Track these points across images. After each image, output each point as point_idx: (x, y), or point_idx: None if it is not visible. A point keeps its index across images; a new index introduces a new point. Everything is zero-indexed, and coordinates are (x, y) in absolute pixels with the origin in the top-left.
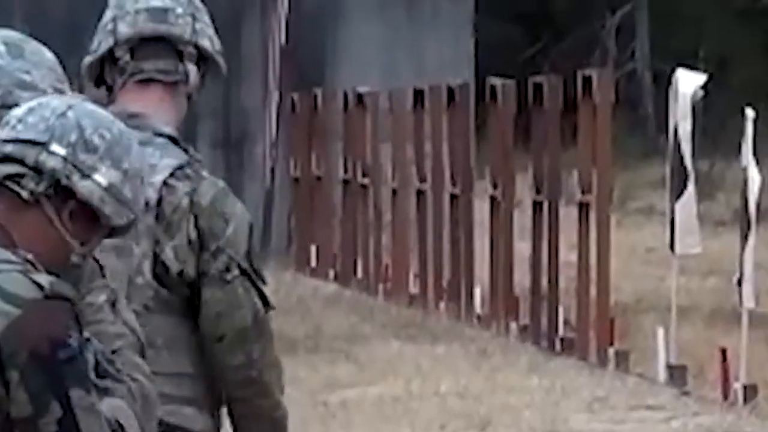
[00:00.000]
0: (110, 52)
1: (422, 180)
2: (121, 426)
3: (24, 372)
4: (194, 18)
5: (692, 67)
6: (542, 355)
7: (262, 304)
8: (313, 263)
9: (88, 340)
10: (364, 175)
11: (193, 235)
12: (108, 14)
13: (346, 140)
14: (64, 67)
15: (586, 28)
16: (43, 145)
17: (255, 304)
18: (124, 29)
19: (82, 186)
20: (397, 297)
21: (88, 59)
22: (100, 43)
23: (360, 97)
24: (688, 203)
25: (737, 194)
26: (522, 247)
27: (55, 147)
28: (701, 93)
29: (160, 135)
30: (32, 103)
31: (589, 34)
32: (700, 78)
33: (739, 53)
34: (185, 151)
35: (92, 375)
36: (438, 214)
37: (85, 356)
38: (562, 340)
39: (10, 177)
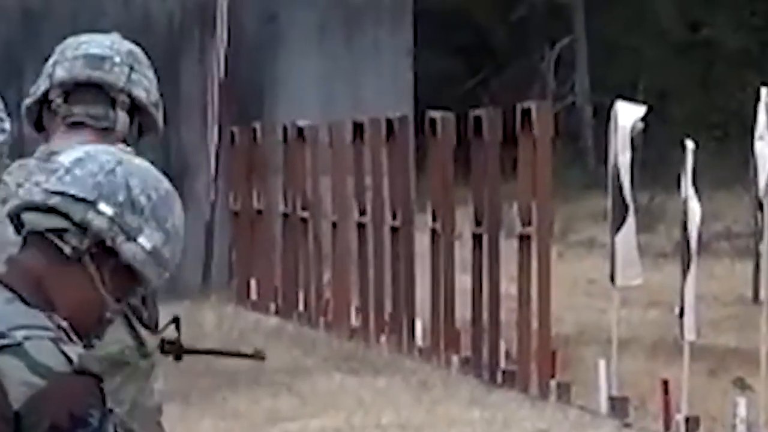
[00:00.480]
0: (46, 95)
1: (362, 213)
2: None
3: None
4: (131, 68)
5: (632, 100)
6: (484, 388)
7: (134, 345)
8: (254, 297)
9: (110, 410)
10: (304, 208)
11: None
12: (51, 59)
13: (286, 173)
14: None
15: (526, 60)
16: (91, 204)
17: (122, 341)
18: (60, 73)
19: (127, 248)
20: (338, 330)
21: (26, 101)
22: (39, 86)
23: (299, 131)
24: (628, 235)
25: (678, 226)
26: (463, 280)
27: (102, 206)
28: (641, 125)
29: None
30: (80, 153)
31: (528, 67)
32: (640, 110)
33: (679, 85)
34: None
35: None
36: (378, 246)
37: None
38: (503, 372)
39: (53, 230)
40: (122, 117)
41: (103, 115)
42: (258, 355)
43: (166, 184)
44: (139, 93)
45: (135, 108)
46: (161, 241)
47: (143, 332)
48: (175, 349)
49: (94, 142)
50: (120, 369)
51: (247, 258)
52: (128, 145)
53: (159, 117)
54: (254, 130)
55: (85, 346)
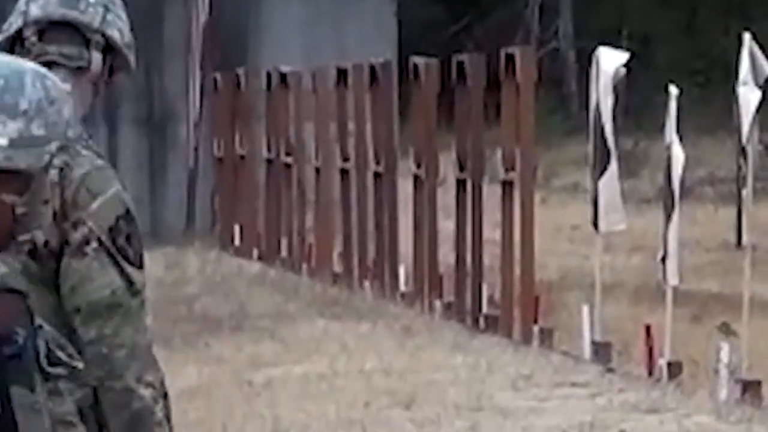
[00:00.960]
0: (19, 32)
1: (346, 159)
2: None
3: None
4: (106, 8)
5: (615, 46)
6: (467, 333)
7: (124, 285)
8: (237, 242)
9: (40, 327)
10: (287, 154)
11: (57, 205)
12: None
13: (269, 119)
14: None
15: (510, 6)
16: None
17: (112, 282)
18: (35, 11)
19: None
20: (321, 275)
21: None
22: (11, 23)
23: (283, 76)
24: (610, 181)
25: (661, 172)
26: (446, 226)
27: None
28: (623, 71)
29: None
30: None
31: (512, 13)
32: (622, 56)
33: (662, 31)
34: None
35: (44, 362)
36: (362, 192)
37: (31, 353)
38: (486, 317)
39: None
40: (96, 57)
41: (77, 54)
42: None
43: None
44: (114, 33)
45: (108, 48)
46: (21, 128)
47: (131, 270)
48: None
49: (68, 82)
50: (114, 312)
51: (231, 204)
52: (97, 85)
53: (132, 58)
54: (237, 76)
55: None
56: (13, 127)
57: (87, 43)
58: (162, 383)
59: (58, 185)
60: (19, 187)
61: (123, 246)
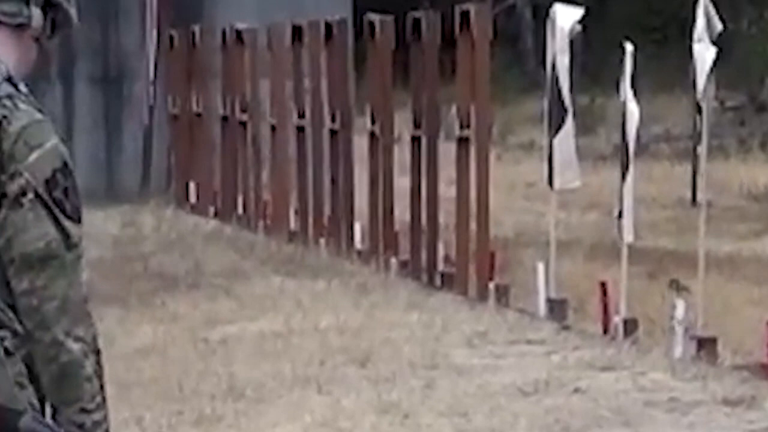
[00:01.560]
0: None
1: (301, 116)
2: None
3: None
4: None
5: (571, 2)
6: (422, 291)
7: (60, 237)
8: (193, 200)
9: None
10: (243, 111)
11: None
12: None
13: (225, 77)
14: None
15: None
16: None
17: (47, 234)
18: None
19: None
20: (277, 233)
21: None
22: None
23: (238, 34)
24: (566, 138)
25: (617, 129)
26: (402, 183)
27: None
28: (579, 28)
29: None
30: None
31: None
32: (578, 12)
33: None
34: (15, 86)
35: None
36: (317, 150)
37: None
38: (442, 275)
39: None
40: (37, 13)
41: (17, 11)
42: None
43: None
44: None
45: (48, 4)
46: None
47: (67, 223)
48: None
49: (9, 40)
50: (48, 264)
51: (186, 161)
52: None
53: (73, 11)
54: (193, 34)
55: None
56: None
57: (26, 0)
58: (94, 339)
59: None
60: None
61: (60, 199)
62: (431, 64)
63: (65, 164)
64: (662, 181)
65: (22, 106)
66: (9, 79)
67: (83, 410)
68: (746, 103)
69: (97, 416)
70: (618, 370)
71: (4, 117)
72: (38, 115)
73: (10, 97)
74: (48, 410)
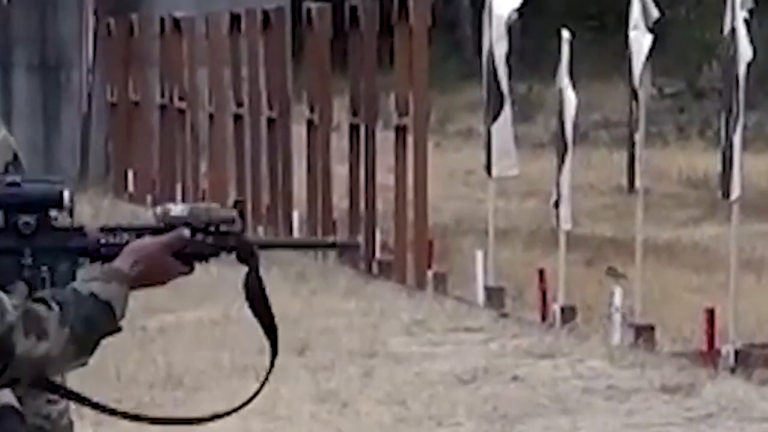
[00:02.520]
0: None
1: (239, 104)
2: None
3: None
4: None
5: None
6: (360, 278)
7: None
8: (131, 189)
9: None
10: (181, 99)
11: None
12: None
13: (163, 65)
14: None
15: None
16: None
17: None
18: None
19: None
20: None
21: None
22: None
23: (176, 22)
24: (504, 126)
25: (555, 116)
26: (340, 171)
27: None
28: (516, 15)
29: None
30: None
31: None
32: (516, 1)
33: None
34: None
35: None
36: (255, 138)
37: None
38: (380, 263)
39: None
40: None
41: None
42: (352, 244)
43: None
44: None
45: None
46: None
47: None
48: (248, 246)
49: None
50: None
51: (125, 150)
52: None
53: None
54: (131, 22)
55: None
56: None
57: None
58: None
59: None
60: None
61: None
62: (369, 52)
63: (15, 156)
64: (600, 168)
65: None
66: None
67: (49, 401)
68: (684, 90)
69: (61, 406)
70: (556, 358)
71: None
72: None
73: None
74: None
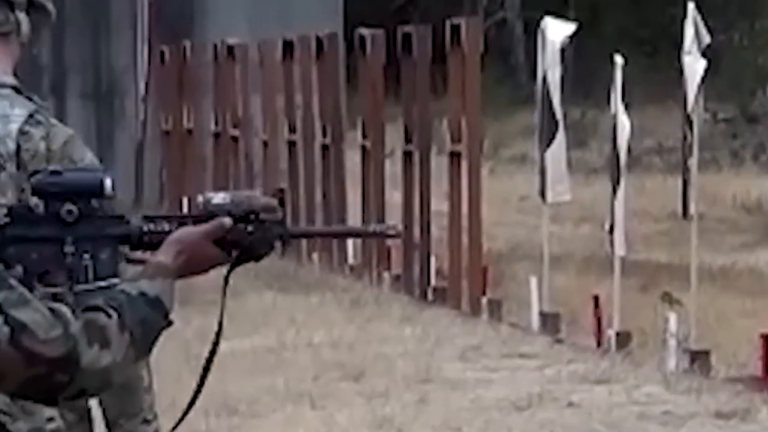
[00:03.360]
0: None
1: (293, 131)
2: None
3: None
4: None
5: (562, 16)
6: (415, 305)
7: None
8: None
9: None
10: (234, 126)
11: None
12: None
13: (217, 92)
14: None
15: None
16: None
17: None
18: None
19: None
20: None
21: None
22: None
23: (230, 49)
24: (557, 151)
25: (609, 142)
26: (394, 197)
27: None
28: (569, 41)
29: (3, 86)
30: None
31: None
32: (569, 26)
33: (609, 1)
34: (30, 99)
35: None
36: (309, 164)
37: None
38: (434, 289)
39: None
40: (23, 18)
41: (5, 19)
42: (389, 232)
43: None
44: None
45: (31, 4)
46: None
47: None
48: (282, 233)
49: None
50: None
51: (178, 177)
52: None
53: (50, 5)
54: (184, 49)
55: None
56: None
57: (11, 6)
58: None
59: (45, 158)
60: None
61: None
62: (422, 78)
63: None
64: (654, 193)
65: (53, 120)
66: (17, 90)
67: (145, 421)
68: (738, 115)
69: (155, 425)
70: (611, 384)
71: (47, 135)
72: (69, 129)
73: (37, 112)
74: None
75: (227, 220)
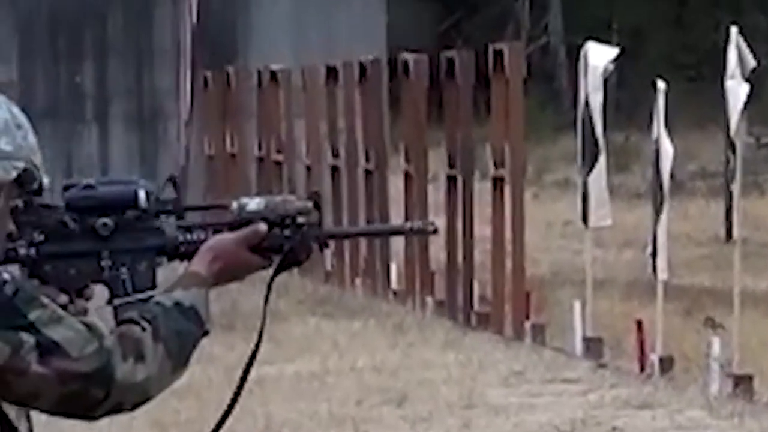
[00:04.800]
0: None
1: (336, 155)
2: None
3: None
4: None
5: (605, 40)
6: (458, 330)
7: None
8: None
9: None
10: (278, 151)
11: None
12: None
13: (260, 117)
14: None
15: (500, 2)
16: None
17: None
18: None
19: None
20: (313, 274)
21: None
22: None
23: (273, 74)
24: (599, 176)
25: (652, 166)
26: (437, 222)
27: None
28: (611, 66)
29: None
30: None
31: (502, 9)
32: (612, 51)
33: (652, 25)
34: None
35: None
36: (352, 189)
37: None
38: (478, 314)
39: None
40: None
41: None
42: (428, 228)
43: None
44: None
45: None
46: None
47: None
48: (318, 235)
49: None
50: None
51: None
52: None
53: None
54: (227, 74)
55: None
56: None
57: None
58: None
59: None
60: None
61: None
62: (465, 103)
63: None
64: (697, 218)
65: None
66: None
67: None
68: None
69: None
70: (655, 408)
71: None
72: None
73: None
74: None
75: (262, 226)
